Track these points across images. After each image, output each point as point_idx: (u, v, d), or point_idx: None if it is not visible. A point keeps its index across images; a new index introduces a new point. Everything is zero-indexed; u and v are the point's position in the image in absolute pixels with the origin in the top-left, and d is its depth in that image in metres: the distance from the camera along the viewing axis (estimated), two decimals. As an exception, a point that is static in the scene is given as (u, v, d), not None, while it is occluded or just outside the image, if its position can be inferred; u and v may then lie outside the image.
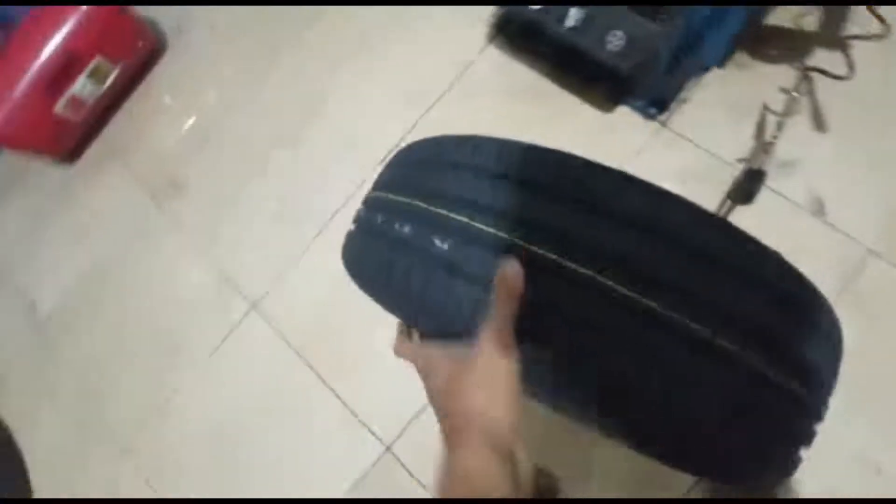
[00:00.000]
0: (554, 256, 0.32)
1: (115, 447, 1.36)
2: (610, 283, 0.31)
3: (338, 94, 1.48)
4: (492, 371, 0.32)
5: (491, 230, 0.34)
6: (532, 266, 0.31)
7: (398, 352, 0.42)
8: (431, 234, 0.36)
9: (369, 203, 0.45)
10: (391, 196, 0.42)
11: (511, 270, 0.31)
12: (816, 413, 0.33)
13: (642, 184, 0.33)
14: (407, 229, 0.38)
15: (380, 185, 0.45)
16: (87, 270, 1.60)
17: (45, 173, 1.80)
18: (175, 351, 1.40)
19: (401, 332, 0.43)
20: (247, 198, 1.49)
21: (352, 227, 0.47)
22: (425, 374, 0.38)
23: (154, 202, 1.61)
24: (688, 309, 0.30)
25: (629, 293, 0.30)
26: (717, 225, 0.33)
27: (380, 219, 0.41)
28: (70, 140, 1.75)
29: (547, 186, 0.34)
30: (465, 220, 0.35)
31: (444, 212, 0.36)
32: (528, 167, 0.35)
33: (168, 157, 1.65)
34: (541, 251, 0.32)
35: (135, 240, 1.58)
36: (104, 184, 1.71)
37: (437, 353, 0.37)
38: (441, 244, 0.35)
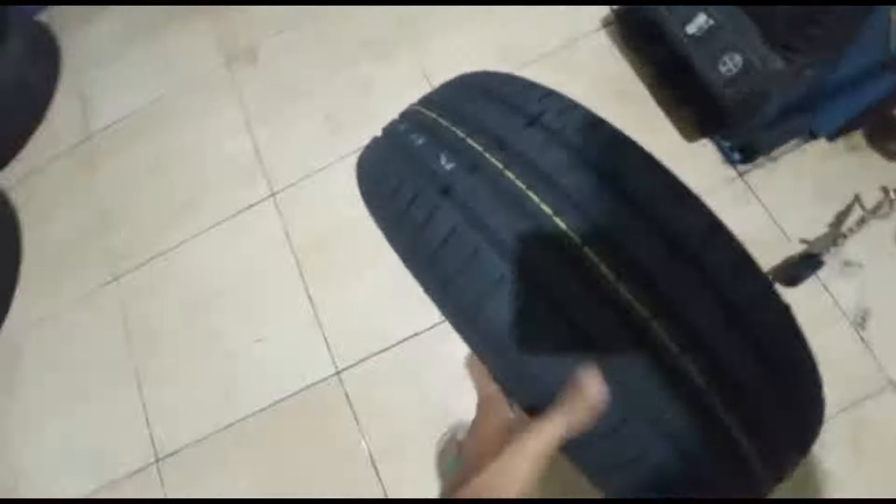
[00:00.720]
0: (572, 235, 0.29)
1: (107, 271, 1.42)
2: (629, 297, 0.27)
3: (439, 26, 1.44)
4: (513, 474, 0.29)
5: (499, 167, 0.32)
6: (540, 235, 0.29)
7: (475, 374, 0.40)
8: (440, 151, 0.35)
9: (404, 114, 0.44)
10: (424, 110, 0.41)
11: (595, 386, 0.27)
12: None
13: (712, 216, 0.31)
14: (421, 141, 0.37)
15: (422, 99, 0.44)
16: (147, 103, 1.65)
17: (142, 6, 1.84)
18: (189, 206, 1.43)
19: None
20: (310, 91, 1.49)
21: (379, 134, 0.45)
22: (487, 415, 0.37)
23: (227, 63, 1.63)
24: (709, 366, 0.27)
25: (654, 325, 0.27)
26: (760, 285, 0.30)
27: (402, 128, 0.41)
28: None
29: (599, 165, 0.31)
30: (479, 148, 0.33)
31: (462, 134, 0.35)
32: (590, 140, 0.32)
33: (258, 26, 1.66)
34: (559, 222, 0.29)
35: (197, 91, 1.61)
36: (190, 30, 1.73)
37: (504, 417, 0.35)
38: (445, 164, 0.34)
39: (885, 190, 1.00)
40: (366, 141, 0.45)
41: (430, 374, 1.09)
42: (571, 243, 0.28)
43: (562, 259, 0.28)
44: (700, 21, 0.88)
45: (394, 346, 1.13)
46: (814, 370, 0.31)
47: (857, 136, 1.07)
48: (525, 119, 0.34)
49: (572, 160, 0.31)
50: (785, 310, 0.29)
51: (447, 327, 1.11)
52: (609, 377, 0.27)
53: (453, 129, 0.36)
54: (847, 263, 0.99)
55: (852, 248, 1.00)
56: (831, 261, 0.98)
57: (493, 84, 0.39)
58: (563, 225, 0.29)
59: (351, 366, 1.14)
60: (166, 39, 1.75)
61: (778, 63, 0.84)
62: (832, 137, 1.06)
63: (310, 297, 1.24)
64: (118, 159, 1.59)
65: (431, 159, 0.35)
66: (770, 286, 0.29)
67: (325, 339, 1.19)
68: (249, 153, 1.46)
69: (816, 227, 1.02)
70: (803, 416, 0.31)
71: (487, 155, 0.33)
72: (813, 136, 1.06)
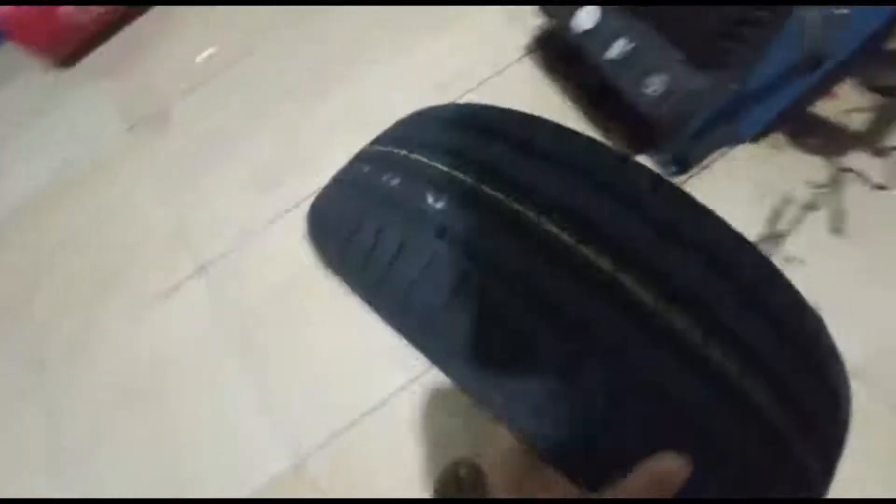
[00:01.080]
0: (601, 263, 0.26)
1: (23, 365, 1.25)
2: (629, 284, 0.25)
3: (364, 69, 1.41)
4: None
5: (500, 197, 0.28)
6: (541, 245, 0.26)
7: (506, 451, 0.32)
8: (425, 190, 0.30)
9: (359, 155, 0.39)
10: (386, 148, 0.36)
11: (677, 467, 0.24)
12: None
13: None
14: (396, 181, 0.32)
15: (378, 139, 0.39)
16: (49, 183, 1.52)
17: (37, 75, 1.70)
18: (110, 289, 1.29)
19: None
20: (231, 152, 1.39)
21: (330, 181, 0.40)
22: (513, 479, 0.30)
23: (133, 131, 1.52)
24: (731, 348, 0.25)
25: (653, 304, 0.25)
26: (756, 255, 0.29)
27: (366, 168, 0.36)
28: (69, 45, 1.65)
29: (582, 172, 0.29)
30: (471, 181, 0.30)
31: (445, 168, 0.31)
32: (593, 163, 0.30)
33: (165, 86, 1.56)
34: (557, 231, 0.26)
35: (103, 164, 1.49)
36: (89, 99, 1.61)
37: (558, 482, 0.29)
38: (434, 202, 0.30)
39: (812, 184, 1.05)
40: (302, 194, 0.39)
41: (404, 441, 1.01)
42: (601, 272, 0.25)
43: (592, 292, 0.25)
44: (619, 46, 0.89)
45: (359, 419, 1.03)
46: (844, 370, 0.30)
47: (779, 136, 1.12)
48: (513, 145, 0.30)
49: (582, 185, 0.28)
50: (817, 316, 0.29)
51: (413, 388, 1.03)
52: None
53: (433, 163, 0.31)
54: (788, 260, 1.02)
55: (792, 243, 1.03)
56: (774, 260, 1.00)
57: (459, 114, 0.35)
58: (588, 253, 0.25)
59: (314, 450, 1.03)
60: (65, 110, 1.62)
61: (701, 79, 0.85)
62: (756, 141, 1.09)
63: (256, 379, 1.11)
64: (23, 245, 1.43)
65: (417, 199, 0.30)
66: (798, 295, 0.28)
67: (279, 426, 1.06)
68: (170, 225, 1.34)
69: (757, 229, 1.04)
70: (843, 415, 0.30)
71: (484, 187, 0.29)
72: (739, 141, 1.09)
